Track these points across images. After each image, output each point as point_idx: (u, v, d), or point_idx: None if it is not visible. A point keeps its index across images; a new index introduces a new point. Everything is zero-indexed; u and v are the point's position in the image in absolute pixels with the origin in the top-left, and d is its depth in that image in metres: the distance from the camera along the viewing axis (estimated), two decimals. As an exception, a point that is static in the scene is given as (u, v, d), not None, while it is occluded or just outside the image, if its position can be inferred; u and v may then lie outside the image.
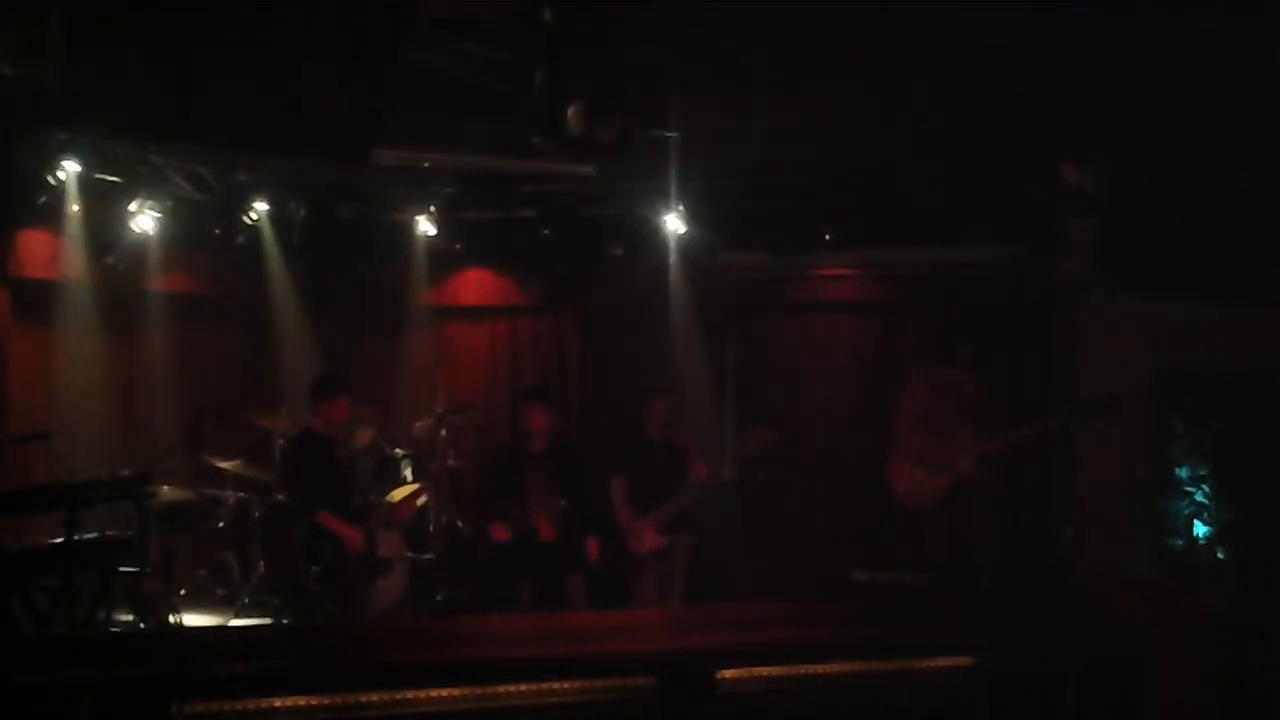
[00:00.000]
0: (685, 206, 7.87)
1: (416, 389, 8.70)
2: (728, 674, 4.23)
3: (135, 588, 6.37)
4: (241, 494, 7.56)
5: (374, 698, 3.87)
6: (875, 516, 7.44)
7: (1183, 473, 7.30)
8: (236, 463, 7.63)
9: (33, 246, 7.37)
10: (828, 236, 8.04)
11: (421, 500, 7.54)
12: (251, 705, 3.76)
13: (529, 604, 6.70)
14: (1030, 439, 6.66)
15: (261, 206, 7.83)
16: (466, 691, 3.96)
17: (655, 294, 8.28)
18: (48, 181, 6.83)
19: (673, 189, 7.53)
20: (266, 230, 7.95)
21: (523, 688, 4.01)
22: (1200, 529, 7.20)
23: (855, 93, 6.16)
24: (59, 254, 7.43)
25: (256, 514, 7.45)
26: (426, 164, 7.12)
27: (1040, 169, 7.03)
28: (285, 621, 6.89)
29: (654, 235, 8.11)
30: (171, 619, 6.79)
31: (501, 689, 3.99)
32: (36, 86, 4.87)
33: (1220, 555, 7.11)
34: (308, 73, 5.84)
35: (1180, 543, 7.24)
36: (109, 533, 6.19)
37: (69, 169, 6.83)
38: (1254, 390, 7.24)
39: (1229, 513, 7.15)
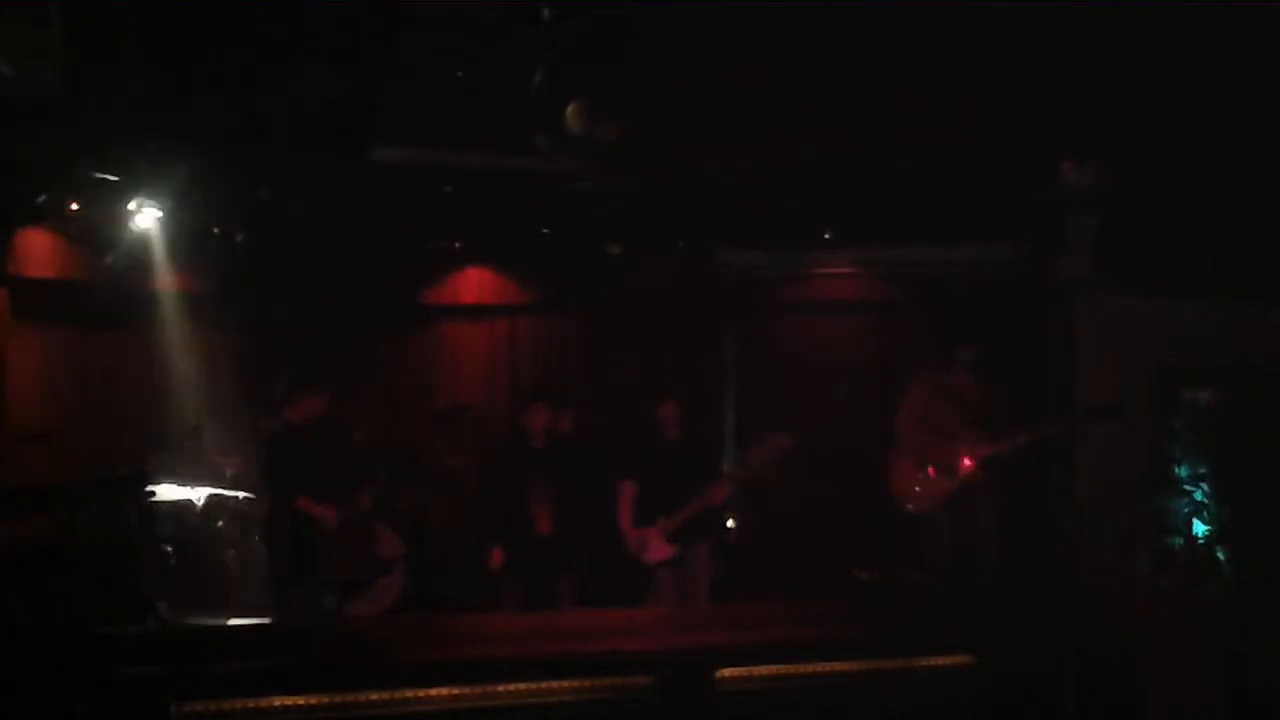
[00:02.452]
0: (684, 205, 7.86)
1: (416, 388, 8.71)
2: (726, 673, 4.23)
3: (135, 588, 6.37)
4: (241, 493, 7.55)
5: (374, 697, 3.88)
6: (876, 516, 7.43)
7: (1182, 471, 7.30)
8: (237, 462, 7.63)
9: (33, 245, 7.36)
10: (827, 235, 8.04)
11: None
12: (251, 705, 3.77)
13: (517, 602, 6.67)
14: (1033, 442, 6.66)
15: (260, 205, 7.82)
16: (466, 690, 3.97)
17: (654, 293, 8.27)
18: (48, 181, 6.82)
19: (672, 188, 7.52)
20: (265, 229, 7.93)
21: (522, 686, 4.02)
22: (1199, 528, 7.20)
23: (855, 92, 6.16)
24: (59, 253, 7.43)
25: (256, 513, 7.45)
26: (426, 163, 7.11)
27: (1040, 169, 7.02)
28: (285, 621, 6.88)
29: (653, 234, 8.11)
30: (171, 619, 6.79)
31: (501, 688, 4.00)
32: (36, 86, 4.86)
33: (1220, 554, 7.11)
34: (308, 71, 5.84)
35: (1180, 542, 7.24)
36: (109, 532, 6.19)
37: (69, 169, 6.83)
38: (1254, 389, 7.25)
39: (1228, 511, 7.15)
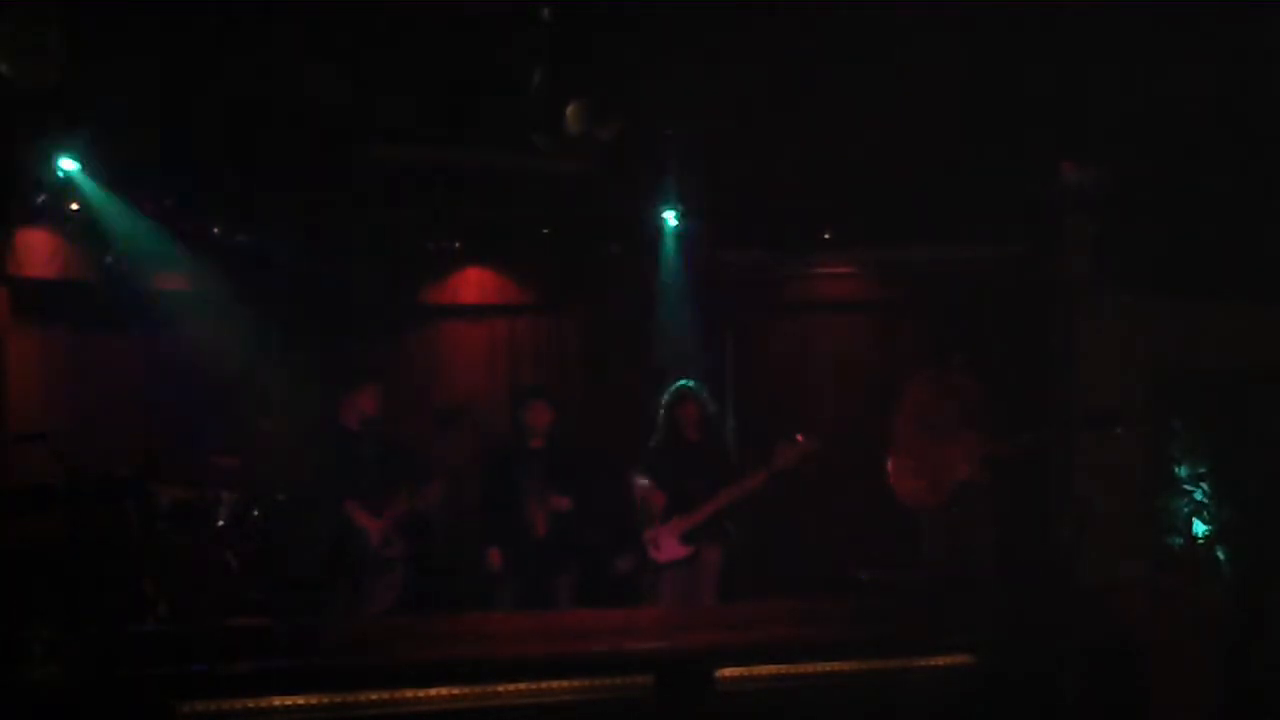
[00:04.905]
0: (684, 205, 7.86)
1: (415, 388, 8.70)
2: (726, 673, 4.23)
3: (135, 588, 6.37)
4: (241, 493, 7.55)
5: (374, 697, 3.88)
6: (875, 516, 7.43)
7: (1182, 471, 7.30)
8: (236, 462, 7.62)
9: (32, 245, 7.36)
10: (827, 235, 8.03)
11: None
12: (251, 704, 3.77)
13: (512, 603, 6.67)
14: (1033, 445, 6.67)
15: (260, 204, 7.82)
16: (466, 690, 3.97)
17: (654, 293, 8.27)
18: (48, 181, 6.82)
19: (672, 187, 7.52)
20: (265, 228, 7.93)
21: (522, 686, 4.02)
22: (1199, 528, 7.20)
23: (855, 90, 6.16)
24: (59, 253, 7.43)
25: (256, 513, 7.45)
26: (426, 162, 7.12)
27: (1040, 168, 7.03)
28: (285, 622, 6.88)
29: (653, 234, 8.11)
30: (171, 619, 6.79)
31: (501, 688, 4.00)
32: (36, 86, 4.87)
33: (1219, 554, 7.11)
34: (308, 70, 5.85)
35: (1180, 541, 7.24)
36: (109, 532, 6.18)
37: (69, 168, 6.83)
38: (1254, 390, 7.24)
39: (1228, 511, 7.15)
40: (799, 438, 6.67)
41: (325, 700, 3.84)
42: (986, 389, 6.92)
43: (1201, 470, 7.25)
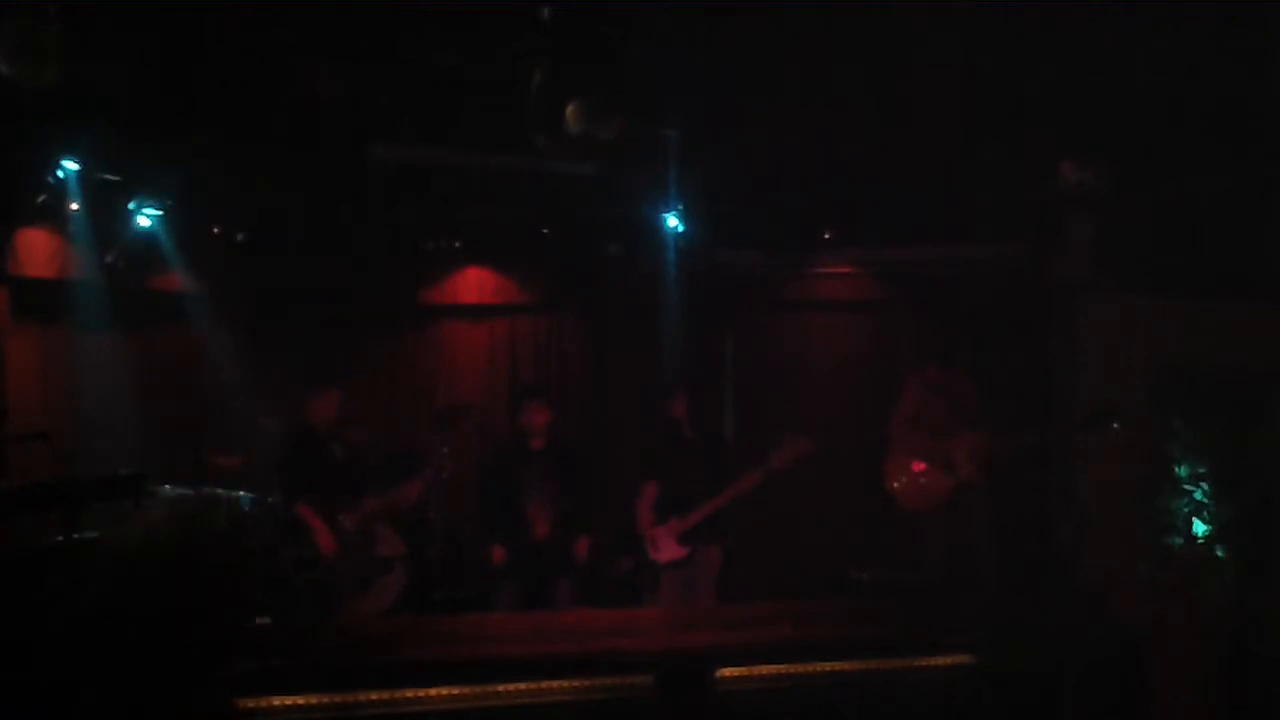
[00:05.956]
0: (684, 205, 7.86)
1: (415, 388, 8.70)
2: (726, 672, 4.23)
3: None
4: (241, 493, 7.54)
5: (374, 697, 3.88)
6: (875, 516, 7.43)
7: (1182, 471, 7.30)
8: (236, 462, 7.62)
9: (33, 245, 7.36)
10: (826, 235, 8.03)
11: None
12: (251, 704, 3.77)
13: (513, 604, 6.66)
14: (1029, 445, 6.68)
15: (260, 204, 7.81)
16: (466, 690, 3.97)
17: (654, 293, 8.27)
18: (48, 180, 6.82)
19: (671, 187, 7.52)
20: (265, 228, 7.93)
21: (522, 686, 4.02)
22: (1199, 528, 7.20)
23: (854, 90, 6.16)
24: (59, 253, 7.43)
25: (255, 513, 7.45)
26: (425, 162, 7.12)
27: (1040, 168, 7.03)
28: (283, 621, 6.88)
29: (653, 234, 8.11)
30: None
31: (501, 687, 4.00)
32: (36, 86, 4.87)
33: (1219, 553, 7.11)
34: (308, 70, 5.85)
35: (1180, 541, 7.24)
36: (109, 533, 6.17)
37: (69, 168, 6.83)
38: (1253, 390, 7.24)
39: (1228, 511, 7.15)
40: (793, 438, 6.67)
41: (325, 700, 3.84)
42: (984, 389, 6.92)
43: (1201, 470, 7.25)
